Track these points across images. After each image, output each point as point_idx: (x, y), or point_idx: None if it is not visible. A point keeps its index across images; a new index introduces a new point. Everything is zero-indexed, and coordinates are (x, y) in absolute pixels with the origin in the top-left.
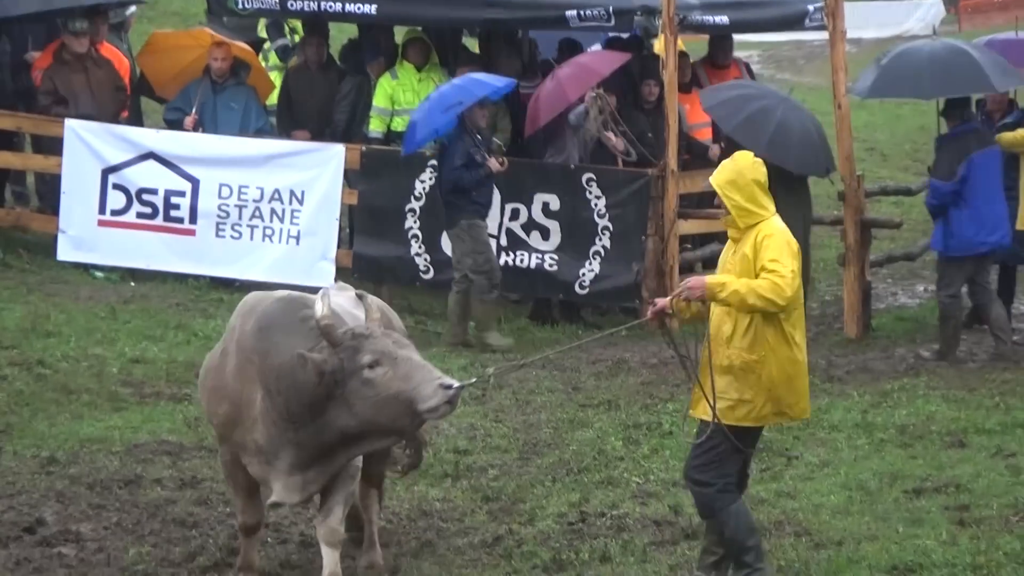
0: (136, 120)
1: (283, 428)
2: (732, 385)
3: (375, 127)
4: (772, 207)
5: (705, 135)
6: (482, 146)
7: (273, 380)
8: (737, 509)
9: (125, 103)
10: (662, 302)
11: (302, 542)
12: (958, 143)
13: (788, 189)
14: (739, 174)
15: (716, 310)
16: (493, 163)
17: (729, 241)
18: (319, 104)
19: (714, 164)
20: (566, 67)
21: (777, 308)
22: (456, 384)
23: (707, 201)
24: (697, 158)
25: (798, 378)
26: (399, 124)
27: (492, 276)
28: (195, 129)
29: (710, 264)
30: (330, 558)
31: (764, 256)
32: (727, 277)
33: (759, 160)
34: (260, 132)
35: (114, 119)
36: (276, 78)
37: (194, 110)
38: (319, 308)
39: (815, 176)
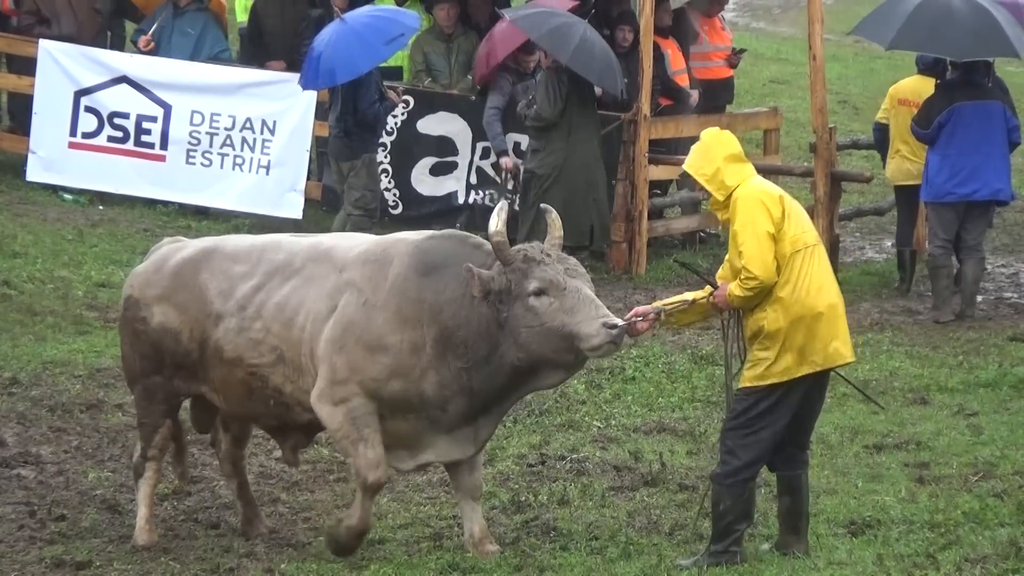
0: (118, 43)
1: (457, 374)
2: (752, 345)
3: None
4: (748, 172)
5: (685, 81)
6: None
7: (450, 315)
8: (745, 493)
9: (102, 25)
10: (644, 310)
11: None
12: (948, 92)
13: (583, 112)
14: (706, 153)
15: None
16: (394, 96)
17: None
18: (288, 33)
19: (693, 110)
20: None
21: (763, 293)
22: (620, 323)
23: (683, 147)
24: (679, 104)
25: (819, 323)
26: None
27: (372, 214)
28: (149, 53)
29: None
30: (477, 510)
31: (735, 244)
32: (732, 285)
33: (726, 132)
34: (216, 59)
35: (91, 41)
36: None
37: (150, 32)
38: (493, 224)
39: (612, 98)
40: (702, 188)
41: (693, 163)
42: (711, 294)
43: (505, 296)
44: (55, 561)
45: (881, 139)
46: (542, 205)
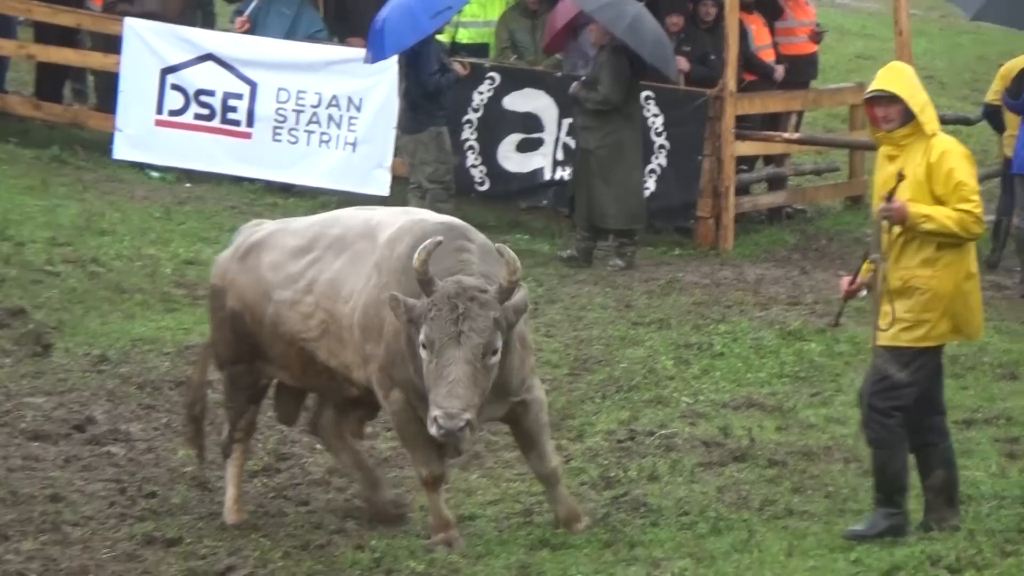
0: (209, 22)
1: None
2: (908, 305)
3: (439, 38)
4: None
5: (769, 56)
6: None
7: None
8: (905, 451)
9: (189, 3)
10: (848, 283)
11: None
12: None
13: (635, 92)
14: (911, 81)
15: (881, 236)
16: (458, 67)
17: (883, 159)
18: (372, 8)
19: (776, 86)
20: None
21: (963, 241)
22: (443, 429)
23: (768, 123)
24: (763, 79)
25: (973, 293)
26: (464, 36)
27: (449, 187)
28: (246, 32)
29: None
30: (558, 494)
31: (951, 179)
32: (929, 209)
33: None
34: (312, 39)
35: (176, 19)
36: None
37: (246, 13)
38: (416, 259)
39: (665, 77)
40: (884, 116)
41: (904, 88)
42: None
43: (413, 331)
44: (146, 538)
45: (991, 118)
46: (497, 246)
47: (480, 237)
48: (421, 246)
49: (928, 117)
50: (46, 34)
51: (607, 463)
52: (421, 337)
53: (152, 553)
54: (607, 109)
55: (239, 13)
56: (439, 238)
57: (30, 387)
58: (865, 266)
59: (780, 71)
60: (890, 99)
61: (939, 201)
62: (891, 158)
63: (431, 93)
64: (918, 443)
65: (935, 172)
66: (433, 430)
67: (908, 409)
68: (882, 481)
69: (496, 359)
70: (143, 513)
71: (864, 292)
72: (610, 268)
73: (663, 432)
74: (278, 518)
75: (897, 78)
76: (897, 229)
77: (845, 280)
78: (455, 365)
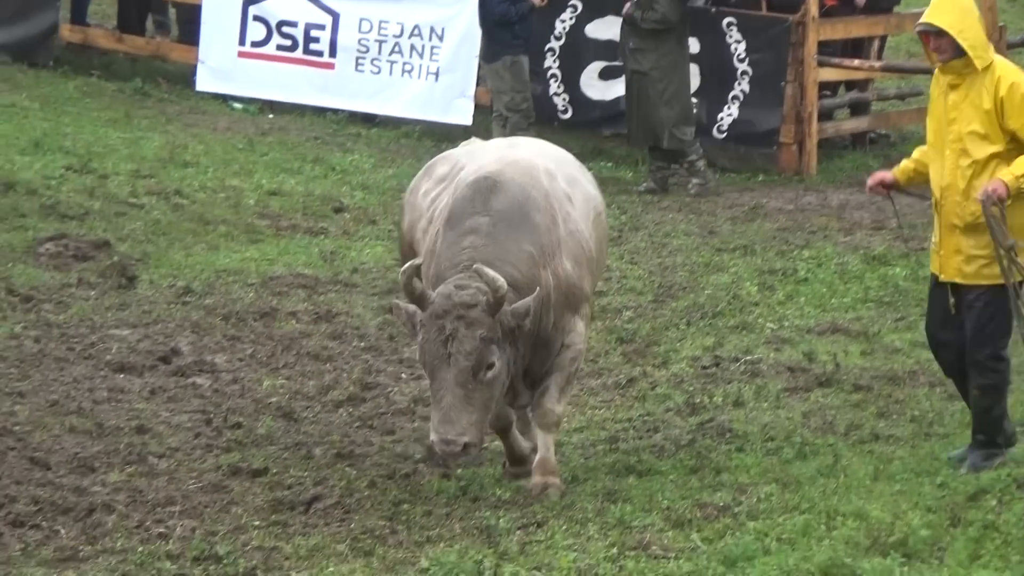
0: None
1: None
2: (984, 241)
3: None
4: None
5: None
6: None
7: None
8: (1007, 392)
9: None
10: (881, 175)
11: None
12: None
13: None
14: (964, 14)
15: (945, 166)
16: None
17: (942, 87)
18: None
19: (859, 11)
20: None
21: None
22: (441, 455)
23: (851, 48)
24: (845, 4)
25: None
26: None
27: (528, 114)
28: None
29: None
30: (541, 441)
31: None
32: (1018, 165)
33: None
34: None
35: None
36: None
37: None
38: (401, 279)
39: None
40: (939, 47)
41: (953, 23)
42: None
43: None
44: (232, 468)
45: None
46: (475, 266)
47: (506, 198)
48: (403, 268)
49: (979, 53)
50: None
51: (692, 389)
52: (416, 355)
53: (238, 484)
54: (662, 29)
55: None
56: (418, 261)
57: (115, 319)
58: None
59: None
60: (939, 32)
61: (1011, 134)
62: (953, 86)
63: (502, 22)
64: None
65: (1008, 105)
66: (432, 451)
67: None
68: (985, 423)
69: (494, 373)
70: (228, 444)
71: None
72: (690, 190)
73: (748, 358)
74: (364, 447)
75: (948, 10)
76: (965, 161)
77: (880, 175)
78: (447, 390)
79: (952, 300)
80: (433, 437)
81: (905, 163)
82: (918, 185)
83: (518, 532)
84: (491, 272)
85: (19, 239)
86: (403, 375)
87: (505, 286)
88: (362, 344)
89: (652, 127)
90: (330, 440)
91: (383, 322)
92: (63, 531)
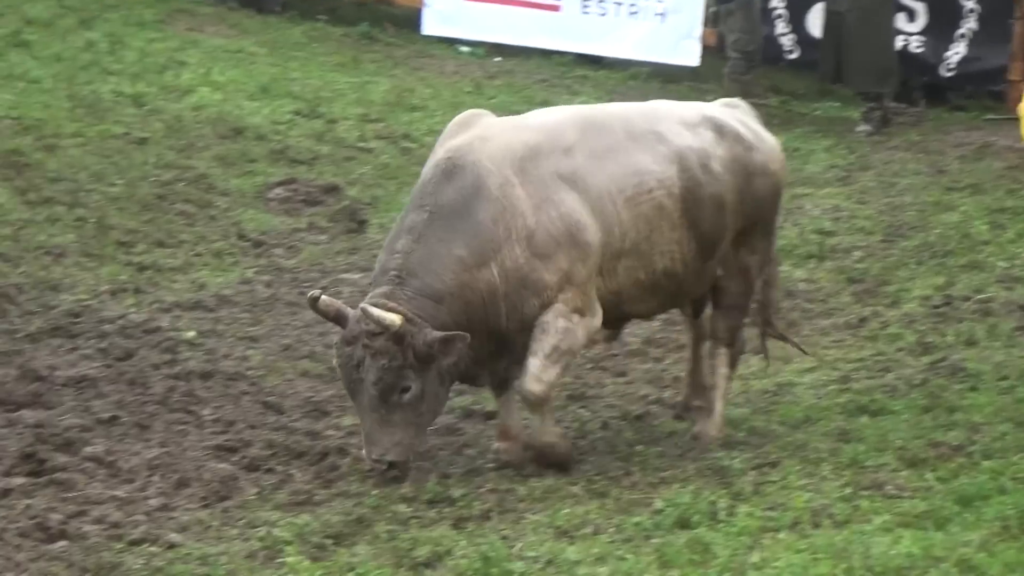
0: None
1: None
2: None
3: None
4: None
5: None
6: None
7: None
8: None
9: None
10: None
11: None
12: None
13: None
14: None
15: None
16: None
17: None
18: None
19: None
20: None
21: None
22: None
23: None
24: None
25: None
26: None
27: (752, 58)
28: None
29: None
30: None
31: None
32: None
33: None
34: None
35: None
36: None
37: None
38: (310, 303)
39: None
40: None
41: None
42: None
43: None
44: (465, 411)
45: None
46: (361, 305)
47: (455, 187)
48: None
49: None
50: None
51: (924, 329)
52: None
53: (471, 426)
54: None
55: None
56: (317, 292)
57: (345, 263)
58: None
59: None
60: None
61: None
62: None
63: None
64: None
65: None
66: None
67: None
68: None
69: (411, 395)
70: (462, 387)
71: None
72: (859, 133)
73: (980, 296)
74: (596, 389)
75: None
76: None
77: None
78: (364, 414)
79: None
80: (363, 454)
81: None
82: None
83: (752, 472)
84: (377, 313)
85: (249, 184)
86: None
87: (397, 323)
88: None
89: (849, 67)
90: (562, 382)
91: None
92: (298, 475)
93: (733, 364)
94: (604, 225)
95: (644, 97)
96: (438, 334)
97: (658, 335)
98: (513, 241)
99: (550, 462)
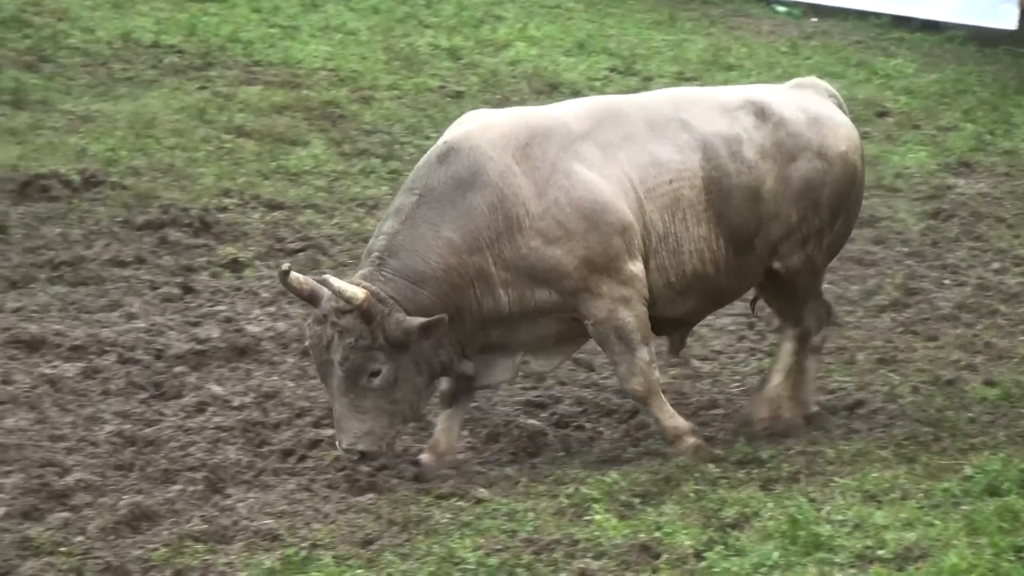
0: None
1: None
2: None
3: None
4: None
5: None
6: None
7: None
8: None
9: None
10: None
11: None
12: None
13: None
14: None
15: None
16: None
17: None
18: None
19: None
20: None
21: None
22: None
23: None
24: None
25: None
26: None
27: None
28: None
29: None
30: (448, 433)
31: None
32: None
33: None
34: None
35: None
36: None
37: None
38: (280, 277)
39: None
40: None
41: None
42: None
43: None
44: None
45: None
46: (322, 277)
47: (449, 172)
48: (281, 267)
49: None
50: None
51: None
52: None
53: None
54: None
55: None
56: (286, 265)
57: None
58: None
59: None
60: None
61: None
62: None
63: None
64: None
65: None
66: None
67: None
68: None
69: (380, 380)
70: (771, 347)
71: None
72: None
73: None
74: (906, 353)
75: None
76: None
77: None
78: (334, 398)
79: None
80: (336, 442)
81: None
82: None
83: None
84: (338, 284)
85: None
86: (946, 280)
87: (359, 295)
88: (905, 249)
89: None
90: (873, 345)
91: (927, 228)
92: (606, 432)
93: (803, 341)
94: (633, 211)
95: (960, 61)
96: (414, 320)
97: (970, 300)
98: (514, 230)
99: (685, 446)
